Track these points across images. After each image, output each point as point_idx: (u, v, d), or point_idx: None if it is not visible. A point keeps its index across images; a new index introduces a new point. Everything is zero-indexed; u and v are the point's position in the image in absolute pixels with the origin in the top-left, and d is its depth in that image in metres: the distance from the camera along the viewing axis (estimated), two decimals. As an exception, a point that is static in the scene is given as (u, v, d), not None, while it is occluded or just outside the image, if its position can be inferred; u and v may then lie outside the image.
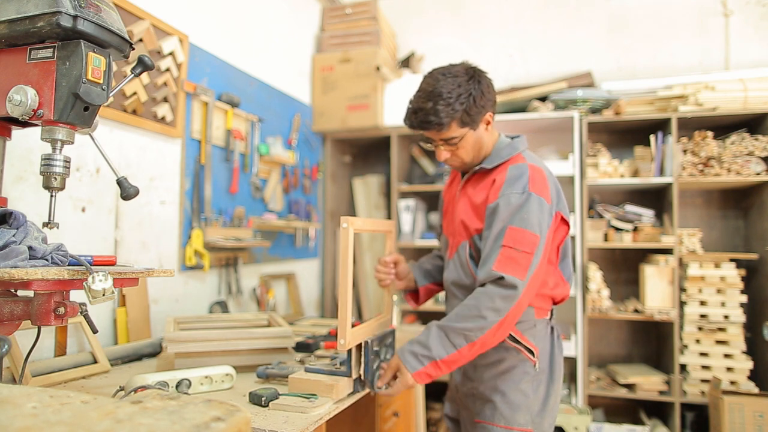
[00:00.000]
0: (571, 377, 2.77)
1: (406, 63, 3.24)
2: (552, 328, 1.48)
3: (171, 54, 1.92)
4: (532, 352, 1.40)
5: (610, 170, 2.71)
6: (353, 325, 1.57)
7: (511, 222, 1.29)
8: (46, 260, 0.95)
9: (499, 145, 1.46)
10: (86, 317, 1.05)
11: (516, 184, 1.33)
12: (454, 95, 1.34)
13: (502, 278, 1.26)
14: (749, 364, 2.49)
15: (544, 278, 1.41)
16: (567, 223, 1.43)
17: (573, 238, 2.68)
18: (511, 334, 1.40)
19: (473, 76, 1.38)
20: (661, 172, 2.65)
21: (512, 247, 1.27)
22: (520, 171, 1.36)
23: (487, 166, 1.43)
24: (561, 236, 1.43)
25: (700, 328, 2.57)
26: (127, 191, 1.13)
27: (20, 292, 1.03)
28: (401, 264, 1.63)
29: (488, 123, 1.42)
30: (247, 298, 2.39)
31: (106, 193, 1.67)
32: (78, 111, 1.01)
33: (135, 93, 1.75)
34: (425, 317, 3.15)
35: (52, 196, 1.05)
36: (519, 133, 1.53)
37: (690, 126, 2.72)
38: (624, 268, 2.98)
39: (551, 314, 1.49)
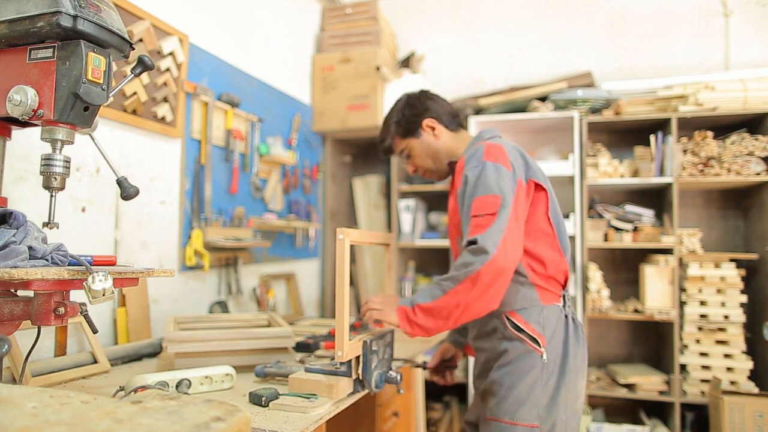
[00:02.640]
0: (571, 377, 2.77)
1: (406, 63, 3.24)
2: (566, 317, 1.40)
3: (171, 54, 1.92)
4: (537, 342, 1.35)
5: (610, 170, 2.71)
6: (354, 326, 1.58)
7: (474, 193, 1.34)
8: (46, 260, 0.95)
9: (469, 143, 1.56)
10: (86, 317, 1.05)
11: (472, 161, 1.39)
12: (390, 118, 1.62)
13: (470, 241, 1.29)
14: (749, 364, 2.49)
15: (540, 254, 1.37)
16: (544, 189, 1.40)
17: (573, 238, 2.68)
18: (514, 322, 1.37)
19: (402, 98, 1.63)
20: (661, 172, 2.65)
21: (478, 215, 1.30)
22: (474, 150, 1.43)
23: (454, 159, 1.54)
24: (543, 203, 1.40)
25: (700, 328, 2.57)
26: (127, 191, 1.13)
27: (20, 292, 1.03)
28: (445, 355, 1.79)
29: (432, 128, 1.57)
30: (247, 298, 2.39)
31: (106, 193, 1.67)
32: (78, 111, 1.01)
33: (135, 93, 1.75)
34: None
35: (52, 196, 1.05)
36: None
37: (690, 126, 2.72)
38: (624, 268, 2.99)
39: (564, 300, 1.42)
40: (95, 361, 1.49)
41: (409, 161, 1.64)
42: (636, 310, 2.64)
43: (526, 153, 1.45)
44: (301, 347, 1.71)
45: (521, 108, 2.94)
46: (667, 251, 2.64)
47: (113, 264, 1.07)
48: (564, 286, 1.43)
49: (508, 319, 1.38)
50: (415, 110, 1.58)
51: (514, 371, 1.35)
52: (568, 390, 1.35)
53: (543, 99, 2.90)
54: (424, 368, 1.77)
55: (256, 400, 1.18)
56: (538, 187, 1.40)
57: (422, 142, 1.58)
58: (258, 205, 2.50)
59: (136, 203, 1.79)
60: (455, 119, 1.60)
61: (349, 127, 3.00)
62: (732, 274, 2.54)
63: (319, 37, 3.17)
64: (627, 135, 2.99)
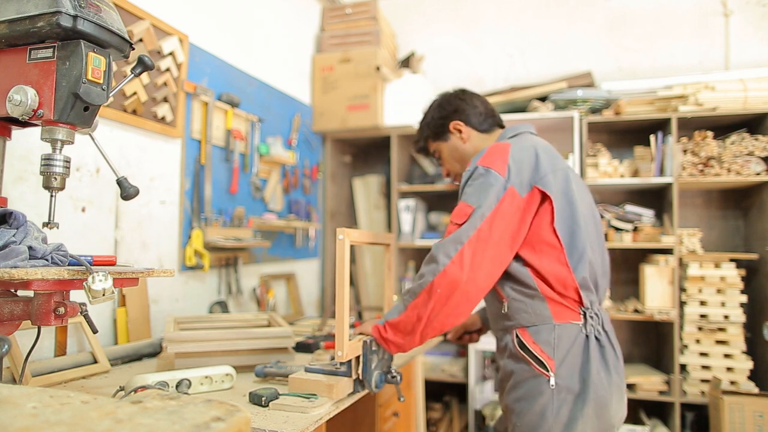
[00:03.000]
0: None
1: (406, 63, 3.24)
2: (587, 337, 1.24)
3: (171, 54, 1.92)
4: (544, 365, 1.21)
5: (610, 170, 2.71)
6: (353, 326, 1.58)
7: (459, 198, 1.30)
8: (46, 260, 0.95)
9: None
10: (86, 317, 1.05)
11: (471, 162, 1.33)
12: (423, 119, 1.60)
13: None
14: (749, 364, 2.49)
15: (543, 269, 1.24)
16: (548, 197, 1.25)
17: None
18: (522, 341, 1.26)
19: (437, 98, 1.60)
20: (661, 172, 2.65)
21: (452, 221, 1.26)
22: (480, 152, 1.35)
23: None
24: (548, 213, 1.26)
25: (700, 328, 2.57)
26: (127, 191, 1.13)
27: (20, 292, 1.03)
28: (468, 327, 1.73)
29: (459, 131, 1.52)
30: (247, 298, 2.39)
31: (106, 193, 1.67)
32: (78, 111, 1.01)
33: (135, 93, 1.75)
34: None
35: (52, 196, 1.05)
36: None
37: (690, 126, 2.72)
38: (624, 268, 2.98)
39: (585, 318, 1.25)
40: (95, 361, 1.49)
41: (440, 164, 1.61)
42: (636, 310, 2.64)
43: (548, 154, 1.31)
44: (301, 347, 1.71)
45: (521, 108, 2.94)
46: (667, 251, 2.64)
47: (113, 264, 1.07)
48: (581, 302, 1.26)
49: (517, 336, 1.27)
50: (443, 112, 1.54)
51: (523, 396, 1.24)
52: (586, 421, 1.19)
53: (543, 99, 2.90)
54: (444, 337, 1.74)
55: (256, 400, 1.18)
56: (544, 195, 1.26)
57: (449, 145, 1.54)
58: (258, 205, 2.50)
59: (136, 203, 1.79)
60: (489, 119, 1.52)
61: (349, 127, 3.00)
62: (732, 274, 2.54)
63: (319, 37, 3.17)
64: (627, 135, 2.99)
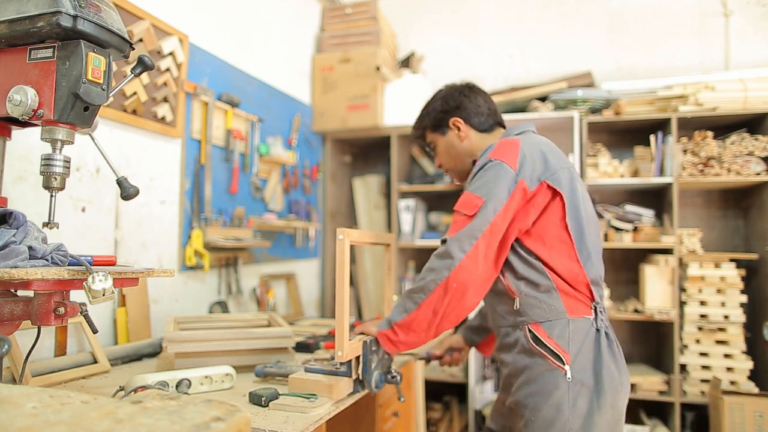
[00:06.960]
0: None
1: (406, 63, 3.24)
2: (598, 331, 1.26)
3: (171, 54, 1.92)
4: (560, 359, 1.22)
5: (610, 170, 2.71)
6: (353, 326, 1.58)
7: (467, 188, 1.30)
8: (46, 260, 0.95)
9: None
10: (86, 317, 1.05)
11: (481, 158, 1.34)
12: (426, 107, 1.57)
13: (442, 241, 1.26)
14: (749, 364, 2.49)
15: (555, 264, 1.26)
16: (559, 193, 1.27)
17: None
18: (536, 335, 1.26)
19: (442, 89, 1.57)
20: (661, 172, 2.65)
21: (458, 211, 1.26)
22: (489, 148, 1.36)
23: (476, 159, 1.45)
24: (558, 209, 1.28)
25: (700, 328, 2.57)
26: (127, 191, 1.13)
27: (20, 292, 1.03)
28: (450, 344, 1.71)
29: (458, 128, 1.51)
30: (247, 298, 2.39)
31: (106, 193, 1.67)
32: (78, 111, 1.01)
33: (135, 93, 1.75)
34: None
35: (52, 196, 1.05)
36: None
37: (690, 126, 2.72)
38: (624, 268, 2.98)
39: (596, 312, 1.28)
40: (95, 361, 1.49)
41: (434, 155, 1.60)
42: (636, 310, 2.64)
43: (554, 152, 1.34)
44: (301, 347, 1.71)
45: (521, 108, 2.94)
46: (667, 251, 2.64)
47: (113, 264, 1.07)
48: (593, 297, 1.29)
49: (530, 331, 1.27)
50: (446, 106, 1.52)
51: (538, 391, 1.24)
52: (603, 412, 1.21)
53: (543, 99, 2.90)
54: (428, 360, 1.73)
55: (256, 400, 1.18)
56: (554, 192, 1.27)
57: (446, 140, 1.52)
58: (258, 205, 2.50)
59: (136, 203, 1.79)
60: (490, 119, 1.51)
61: (349, 127, 3.00)
62: (732, 274, 2.54)
63: (319, 37, 3.17)
64: (627, 135, 2.99)
